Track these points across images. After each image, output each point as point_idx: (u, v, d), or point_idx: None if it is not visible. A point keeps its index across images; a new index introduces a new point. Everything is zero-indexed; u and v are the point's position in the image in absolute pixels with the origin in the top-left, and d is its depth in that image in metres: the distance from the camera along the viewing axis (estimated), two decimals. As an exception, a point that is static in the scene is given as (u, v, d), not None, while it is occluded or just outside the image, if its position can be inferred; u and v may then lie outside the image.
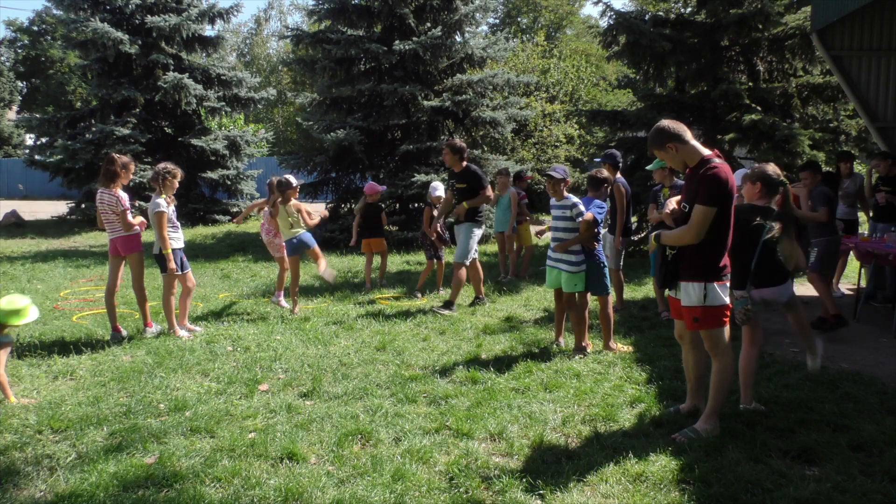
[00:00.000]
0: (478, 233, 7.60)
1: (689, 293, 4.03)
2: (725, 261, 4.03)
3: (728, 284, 4.07)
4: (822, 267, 6.76)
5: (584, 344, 5.85)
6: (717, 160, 3.96)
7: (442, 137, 14.30)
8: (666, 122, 4.10)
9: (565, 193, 5.84)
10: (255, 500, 3.34)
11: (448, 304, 7.43)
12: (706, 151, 4.04)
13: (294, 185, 7.43)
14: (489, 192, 7.58)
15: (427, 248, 8.59)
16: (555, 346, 6.04)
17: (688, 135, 4.04)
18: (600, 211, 5.91)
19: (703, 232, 3.88)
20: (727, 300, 4.05)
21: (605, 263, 6.05)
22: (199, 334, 6.47)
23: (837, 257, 7.08)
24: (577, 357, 5.68)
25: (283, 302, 7.75)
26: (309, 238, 7.40)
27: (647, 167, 7.70)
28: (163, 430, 4.13)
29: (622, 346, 5.99)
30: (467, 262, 7.52)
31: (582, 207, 5.76)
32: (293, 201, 7.38)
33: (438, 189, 8.39)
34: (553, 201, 5.90)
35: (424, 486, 3.45)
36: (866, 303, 7.57)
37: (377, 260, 9.33)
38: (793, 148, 10.23)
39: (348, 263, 11.18)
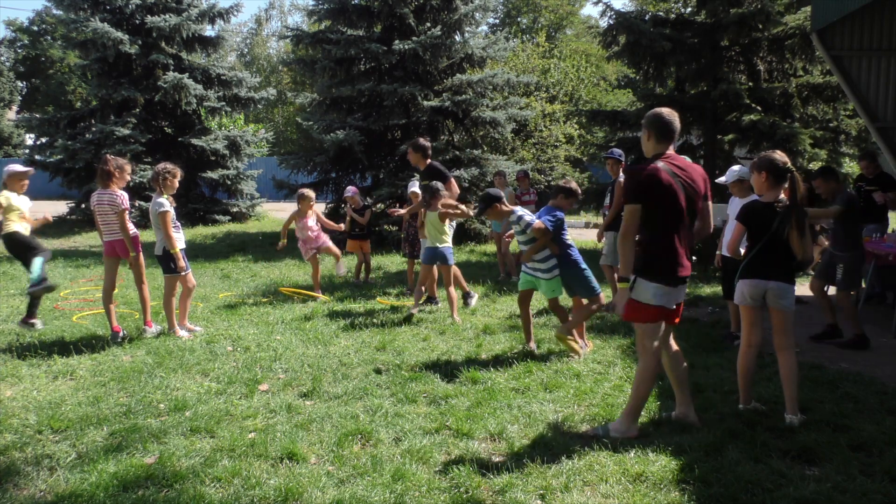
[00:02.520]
0: (452, 225, 7.63)
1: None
2: (669, 262, 3.95)
3: (665, 287, 3.96)
4: (850, 284, 6.20)
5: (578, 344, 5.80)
6: (657, 163, 3.94)
7: (442, 137, 14.31)
8: (662, 112, 4.08)
9: (506, 208, 5.81)
10: (255, 500, 3.34)
11: (466, 296, 7.76)
12: (662, 154, 4.01)
13: (440, 191, 7.24)
14: (454, 184, 7.64)
15: (405, 246, 8.74)
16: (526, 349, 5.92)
17: (668, 135, 4.03)
18: (552, 220, 5.66)
19: (630, 228, 3.91)
20: (654, 301, 3.97)
21: (583, 265, 5.79)
22: (199, 334, 6.47)
23: (862, 271, 6.52)
24: (574, 359, 5.66)
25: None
26: (449, 252, 7.28)
27: None
28: (163, 430, 4.13)
29: (575, 344, 5.73)
30: (451, 261, 7.54)
31: (528, 218, 5.72)
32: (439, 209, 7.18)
33: (414, 185, 8.50)
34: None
35: (424, 486, 3.45)
36: (870, 302, 7.57)
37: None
38: (794, 147, 10.25)
39: (348, 264, 11.17)
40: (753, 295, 4.35)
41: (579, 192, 5.96)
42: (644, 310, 4.00)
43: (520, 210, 5.83)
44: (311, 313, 7.35)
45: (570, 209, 5.99)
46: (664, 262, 3.97)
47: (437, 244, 7.21)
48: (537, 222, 5.66)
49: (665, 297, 3.99)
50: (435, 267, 7.35)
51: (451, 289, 7.18)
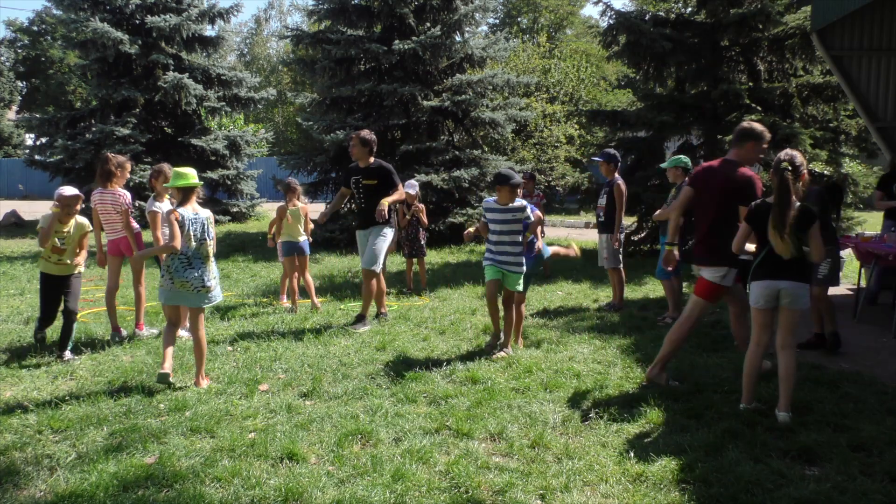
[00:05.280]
0: (389, 234, 6.87)
1: None
2: None
3: None
4: (833, 280, 6.08)
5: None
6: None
7: (442, 137, 14.31)
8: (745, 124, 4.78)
9: (517, 193, 5.75)
10: (255, 500, 3.34)
11: (360, 318, 6.73)
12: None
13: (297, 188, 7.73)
14: (402, 189, 7.03)
15: (405, 246, 8.71)
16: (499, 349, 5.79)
17: None
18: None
19: None
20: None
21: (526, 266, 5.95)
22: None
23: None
24: (501, 353, 5.69)
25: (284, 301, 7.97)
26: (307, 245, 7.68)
27: (661, 165, 7.74)
28: (163, 430, 4.13)
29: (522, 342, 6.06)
30: (377, 269, 6.73)
31: (529, 210, 5.83)
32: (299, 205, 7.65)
33: (413, 188, 8.62)
34: (497, 205, 5.73)
35: (424, 486, 3.45)
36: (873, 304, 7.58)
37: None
38: (794, 147, 10.23)
39: (348, 263, 11.18)
40: (767, 296, 4.31)
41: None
42: None
43: (522, 200, 5.84)
44: (312, 313, 7.35)
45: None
46: None
47: (298, 238, 7.54)
48: (537, 212, 6.04)
49: None
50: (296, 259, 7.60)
51: (308, 276, 7.64)
